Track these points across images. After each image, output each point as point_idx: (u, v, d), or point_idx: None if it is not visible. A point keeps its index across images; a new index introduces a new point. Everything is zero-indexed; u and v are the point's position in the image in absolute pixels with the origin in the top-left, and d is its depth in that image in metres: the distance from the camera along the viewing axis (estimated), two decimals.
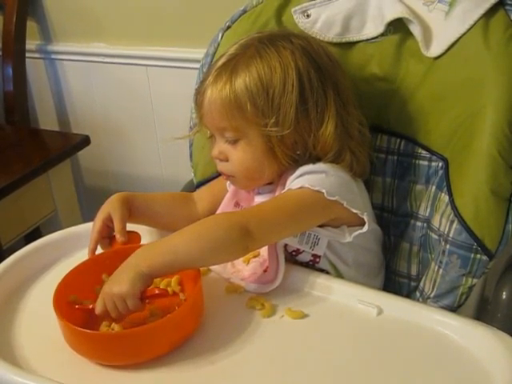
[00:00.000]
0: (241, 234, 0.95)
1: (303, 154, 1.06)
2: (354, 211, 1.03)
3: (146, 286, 0.92)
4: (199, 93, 1.09)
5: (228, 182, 1.20)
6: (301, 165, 1.06)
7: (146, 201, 1.17)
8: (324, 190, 1.00)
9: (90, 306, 0.95)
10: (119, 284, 0.92)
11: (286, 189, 1.04)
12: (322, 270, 1.08)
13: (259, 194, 1.15)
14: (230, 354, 0.91)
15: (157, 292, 0.99)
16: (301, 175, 1.04)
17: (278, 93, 1.02)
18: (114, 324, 0.95)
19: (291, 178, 1.05)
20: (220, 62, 1.07)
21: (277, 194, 1.08)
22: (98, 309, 0.93)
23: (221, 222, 0.99)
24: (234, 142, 1.06)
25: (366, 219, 1.04)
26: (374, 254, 1.16)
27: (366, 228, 1.05)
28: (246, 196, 1.17)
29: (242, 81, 1.02)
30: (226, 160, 1.08)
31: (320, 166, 1.05)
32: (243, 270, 1.07)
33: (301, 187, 1.01)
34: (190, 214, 1.21)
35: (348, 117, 1.07)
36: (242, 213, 1.08)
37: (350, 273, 1.10)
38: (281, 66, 1.02)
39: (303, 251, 1.07)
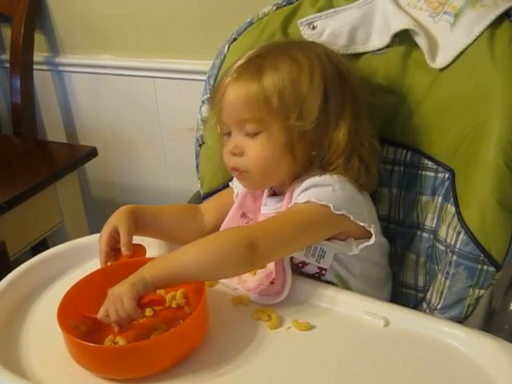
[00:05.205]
0: (247, 249, 0.95)
1: (318, 156, 1.06)
2: (361, 224, 1.03)
3: (146, 290, 0.93)
4: (219, 88, 1.09)
5: (235, 194, 1.21)
6: (309, 175, 1.06)
7: (153, 213, 1.17)
8: (331, 204, 1.00)
9: (95, 316, 0.95)
10: (121, 285, 0.93)
11: (293, 203, 1.04)
12: (327, 282, 1.08)
13: (265, 205, 1.15)
14: (237, 367, 0.91)
15: (155, 298, 0.98)
16: (307, 188, 1.04)
17: (305, 88, 1.03)
18: (118, 338, 0.95)
19: (298, 190, 1.05)
20: (240, 62, 1.08)
21: (283, 205, 1.09)
22: (100, 313, 0.93)
23: (228, 236, 1.00)
24: (254, 135, 1.05)
25: (372, 232, 1.04)
26: (381, 266, 1.16)
27: (372, 240, 1.05)
28: (252, 207, 1.17)
29: (270, 75, 1.03)
30: (242, 154, 1.07)
31: (326, 178, 1.04)
32: (249, 281, 1.07)
33: (307, 201, 1.01)
34: (198, 226, 1.21)
35: (360, 127, 1.07)
36: (249, 228, 1.07)
37: (357, 284, 1.10)
38: (308, 63, 1.04)
39: (309, 263, 1.07)
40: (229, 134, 1.09)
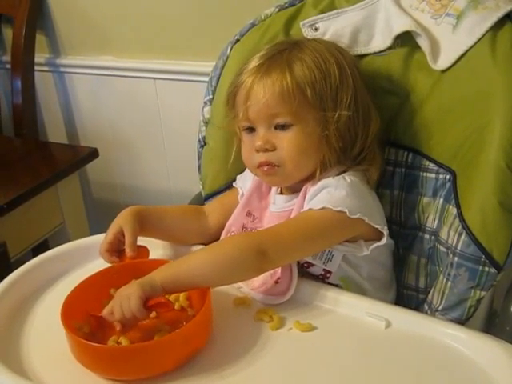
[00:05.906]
0: (256, 255, 0.95)
1: (348, 146, 1.08)
2: (376, 226, 1.03)
3: (154, 292, 0.93)
4: (238, 91, 1.09)
5: (240, 194, 1.21)
6: (328, 171, 1.07)
7: (158, 214, 1.17)
8: (346, 210, 1.00)
9: (99, 314, 0.95)
10: (130, 285, 0.94)
11: (306, 206, 1.04)
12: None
13: (274, 203, 1.15)
14: (240, 369, 0.91)
15: (162, 301, 0.97)
16: (321, 189, 1.04)
17: (336, 79, 1.05)
18: (121, 338, 0.94)
19: (312, 189, 1.06)
20: (258, 62, 1.07)
21: (297, 203, 1.08)
22: (105, 310, 0.93)
23: (237, 242, 1.00)
24: (286, 127, 1.05)
25: (385, 233, 1.05)
26: (387, 268, 1.16)
27: (384, 241, 1.05)
28: (258, 205, 1.18)
29: (300, 68, 1.04)
30: (273, 149, 1.07)
31: (340, 181, 1.04)
32: (254, 280, 1.06)
33: (323, 208, 1.01)
34: (202, 227, 1.21)
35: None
36: (260, 234, 1.06)
37: (364, 285, 1.10)
38: (332, 55, 1.07)
39: (315, 264, 1.07)
40: (250, 129, 1.09)
